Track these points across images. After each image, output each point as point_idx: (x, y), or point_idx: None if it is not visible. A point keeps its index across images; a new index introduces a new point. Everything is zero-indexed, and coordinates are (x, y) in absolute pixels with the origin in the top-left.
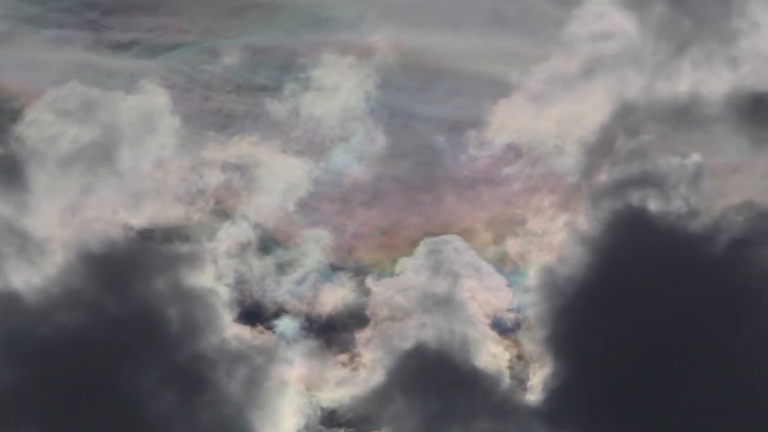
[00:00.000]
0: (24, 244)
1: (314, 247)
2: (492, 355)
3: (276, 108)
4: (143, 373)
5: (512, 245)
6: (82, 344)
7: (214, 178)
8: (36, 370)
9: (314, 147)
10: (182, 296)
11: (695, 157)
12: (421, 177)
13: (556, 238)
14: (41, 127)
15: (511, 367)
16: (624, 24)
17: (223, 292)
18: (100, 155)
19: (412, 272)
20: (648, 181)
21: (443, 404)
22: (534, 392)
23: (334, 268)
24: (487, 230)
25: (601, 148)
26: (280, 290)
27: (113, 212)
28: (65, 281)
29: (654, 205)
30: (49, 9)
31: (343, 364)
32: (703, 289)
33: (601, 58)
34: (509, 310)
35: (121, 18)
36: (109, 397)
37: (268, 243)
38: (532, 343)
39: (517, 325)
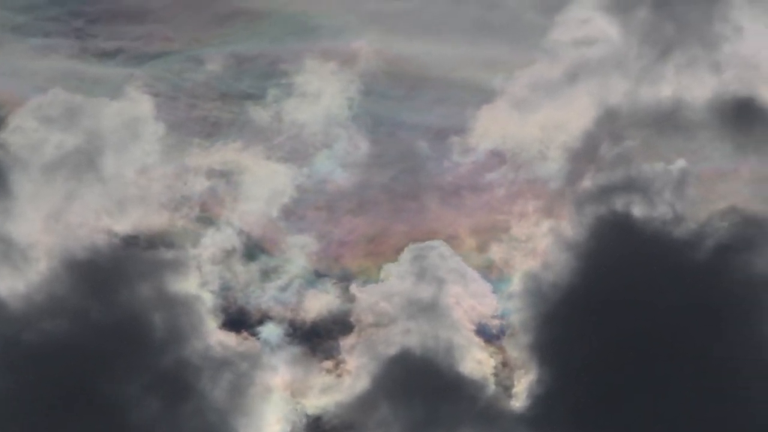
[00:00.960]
0: (8, 251)
1: (298, 253)
2: (477, 362)
3: (259, 114)
4: (128, 380)
5: (496, 251)
6: (66, 351)
7: (198, 185)
8: (20, 376)
9: (298, 153)
10: (167, 303)
11: (680, 163)
12: (405, 184)
13: (540, 244)
14: (25, 133)
15: (496, 374)
16: (607, 29)
17: (208, 299)
18: (85, 162)
19: (396, 278)
20: (632, 186)
21: (428, 411)
22: (519, 399)
23: (319, 275)
24: (472, 236)
25: (585, 154)
26: (265, 297)
27: (97, 218)
28: (49, 288)
29: (638, 211)
30: (35, 18)
31: (328, 371)
32: (688, 294)
33: (584, 63)
34: (494, 317)
35: (107, 26)
36: (93, 404)
37: (252, 249)
38: (516, 349)
39: (501, 332)
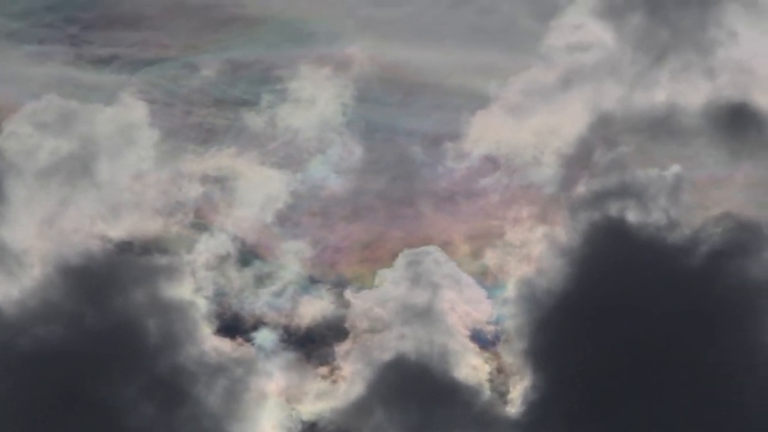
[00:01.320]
0: (2, 256)
1: (293, 259)
2: (472, 368)
3: (254, 120)
4: (122, 386)
5: (491, 257)
6: (60, 356)
7: (192, 191)
8: (14, 382)
9: (292, 159)
10: (161, 308)
11: (674, 169)
12: (399, 189)
13: (534, 250)
14: (20, 139)
15: (491, 380)
16: (601, 35)
17: (202, 305)
18: (79, 168)
19: (391, 284)
20: (627, 192)
21: (423, 416)
22: (514, 405)
23: (313, 281)
24: (466, 242)
25: (579, 160)
26: (259, 302)
27: (92, 224)
28: (44, 293)
29: (633, 217)
30: (30, 24)
31: (323, 377)
32: (683, 300)
33: (578, 69)
34: (489, 323)
35: (102, 33)
36: (88, 410)
37: (246, 255)
38: (511, 355)
39: (496, 338)
